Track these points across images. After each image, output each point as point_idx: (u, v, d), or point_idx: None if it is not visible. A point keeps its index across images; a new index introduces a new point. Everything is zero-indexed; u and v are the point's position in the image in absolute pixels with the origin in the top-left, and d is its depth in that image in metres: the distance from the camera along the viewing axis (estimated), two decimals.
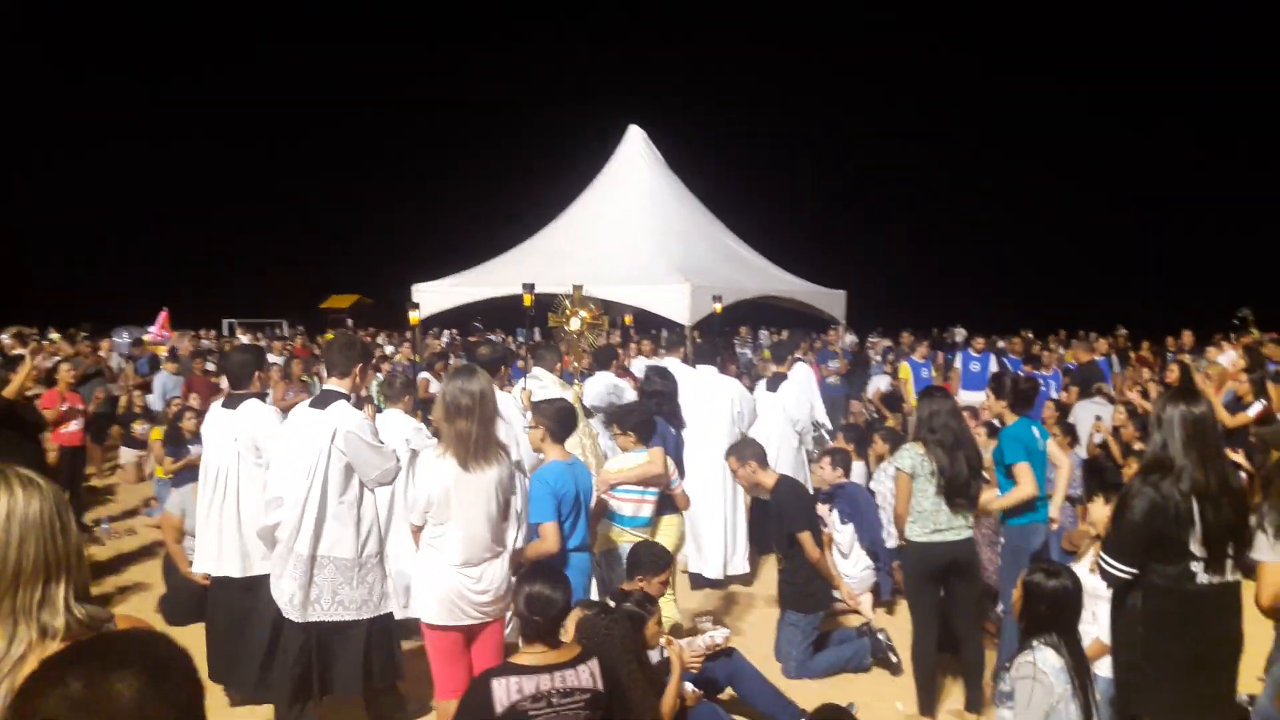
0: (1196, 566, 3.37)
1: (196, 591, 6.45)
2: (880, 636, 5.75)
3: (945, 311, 23.47)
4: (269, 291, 34.00)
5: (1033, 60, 43.59)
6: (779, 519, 5.87)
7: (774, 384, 8.52)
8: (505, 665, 3.22)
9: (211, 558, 5.05)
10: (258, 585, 4.84)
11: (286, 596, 4.46)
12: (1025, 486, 5.27)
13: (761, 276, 15.80)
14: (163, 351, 18.57)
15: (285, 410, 10.11)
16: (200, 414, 9.86)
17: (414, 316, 10.64)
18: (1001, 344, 15.09)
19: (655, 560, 4.66)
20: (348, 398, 4.63)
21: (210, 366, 12.66)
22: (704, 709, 4.31)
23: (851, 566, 6.53)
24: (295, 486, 4.43)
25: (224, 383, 7.89)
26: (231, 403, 5.10)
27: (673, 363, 8.62)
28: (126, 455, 11.75)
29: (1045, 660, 3.26)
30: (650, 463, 5.28)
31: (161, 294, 21.73)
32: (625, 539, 5.28)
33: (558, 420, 4.69)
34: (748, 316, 19.58)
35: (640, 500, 5.38)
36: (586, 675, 3.11)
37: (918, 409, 5.17)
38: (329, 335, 22.75)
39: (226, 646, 5.05)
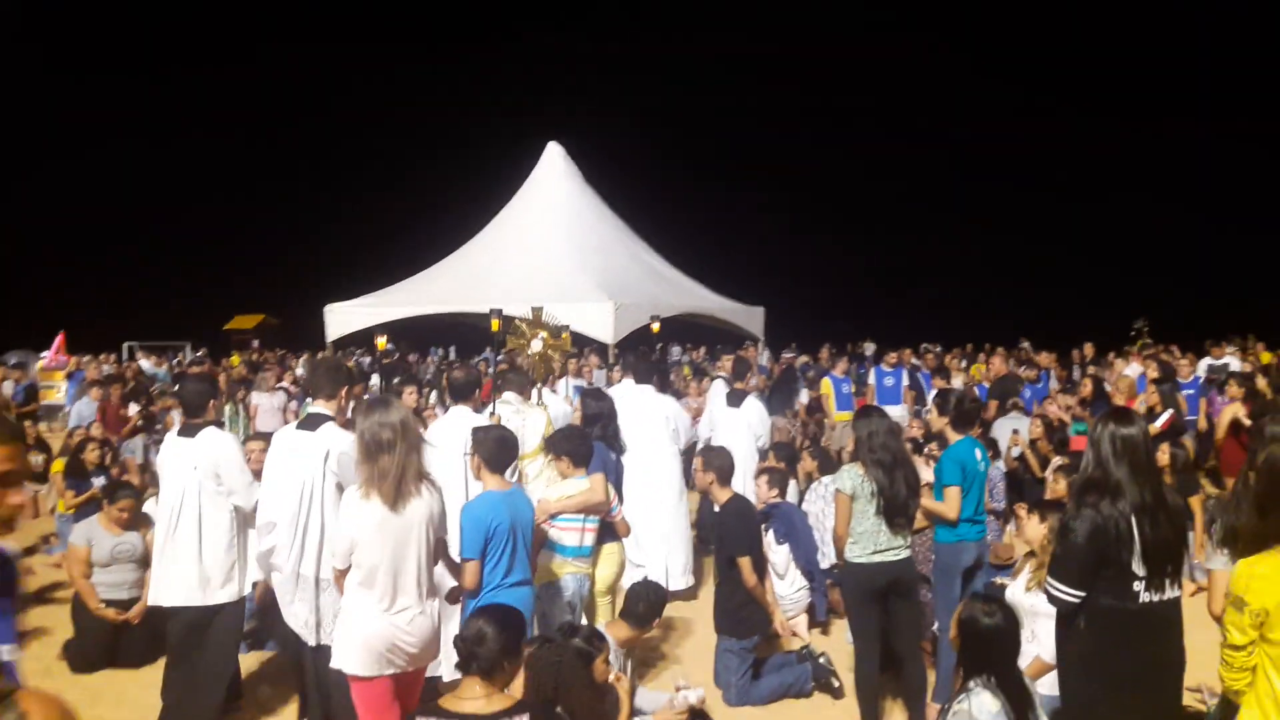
0: (1138, 585, 3.41)
1: (107, 633, 6.11)
2: (821, 660, 5.72)
3: (857, 327, 23.98)
4: (171, 313, 32.76)
5: (931, 81, 45.01)
6: (720, 539, 5.83)
7: (735, 399, 8.55)
8: (433, 707, 3.07)
9: (169, 587, 4.93)
10: (219, 613, 4.92)
11: (300, 621, 4.58)
12: (949, 509, 5.33)
13: (682, 293, 15.83)
14: (59, 377, 17.74)
15: None
16: (103, 444, 9.39)
17: (383, 343, 10.32)
18: (915, 360, 15.38)
19: (652, 610, 4.63)
20: (334, 419, 4.78)
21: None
22: None
23: (787, 587, 6.51)
24: (287, 509, 4.56)
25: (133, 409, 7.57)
26: (189, 431, 5.03)
27: (628, 384, 8.36)
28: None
29: (981, 707, 3.25)
30: (592, 490, 5.17)
31: (57, 317, 20.73)
32: (568, 570, 5.15)
33: (494, 449, 4.54)
34: (665, 334, 19.61)
35: (582, 529, 5.26)
36: None
37: (855, 428, 5.17)
38: (234, 359, 22.06)
39: (182, 674, 4.98)
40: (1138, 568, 3.40)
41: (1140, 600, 3.41)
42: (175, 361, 23.89)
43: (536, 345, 7.00)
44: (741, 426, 8.34)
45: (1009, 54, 44.06)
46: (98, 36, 43.06)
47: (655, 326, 11.91)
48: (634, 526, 7.06)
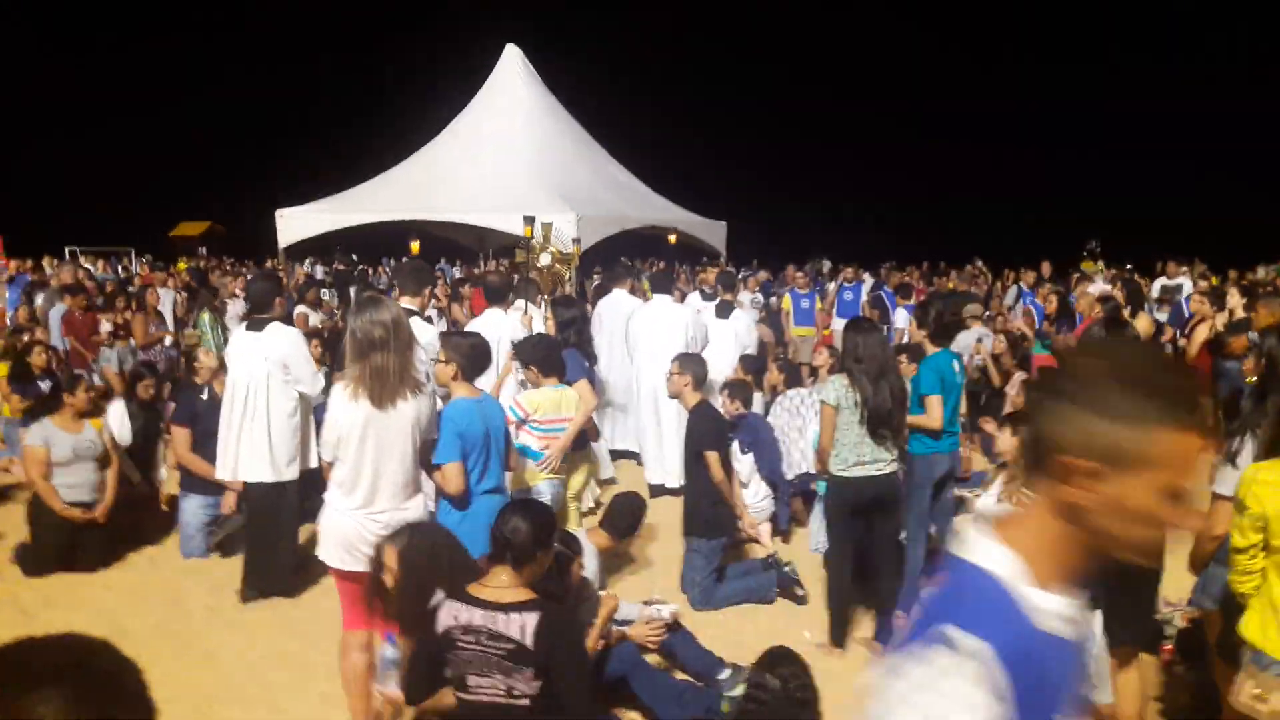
0: None
1: (64, 536, 5.95)
2: (787, 569, 5.76)
3: (816, 244, 23.90)
4: (113, 218, 31.67)
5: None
6: (688, 437, 5.81)
7: (724, 311, 8.74)
8: (462, 591, 3.06)
9: (245, 466, 5.46)
10: (285, 489, 5.50)
11: None
12: (930, 418, 5.31)
13: (644, 205, 15.56)
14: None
15: (148, 345, 9.38)
16: (50, 348, 9.05)
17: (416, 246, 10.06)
18: (870, 277, 15.38)
19: (633, 522, 4.57)
20: (419, 314, 5.57)
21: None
22: (626, 649, 4.19)
23: (751, 496, 6.52)
24: None
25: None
26: (256, 325, 5.46)
27: (621, 294, 8.62)
28: None
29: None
30: (586, 401, 5.20)
31: None
32: (542, 478, 5.09)
33: (469, 357, 4.40)
34: (627, 247, 19.37)
35: (558, 437, 5.21)
36: (517, 627, 2.89)
37: (843, 339, 5.10)
38: (180, 265, 21.44)
39: (260, 542, 5.62)
40: None
41: None
42: (120, 267, 23.22)
43: (545, 259, 7.30)
44: (729, 337, 8.50)
45: None
46: None
47: (672, 238, 11.86)
48: (659, 434, 7.69)
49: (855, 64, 43.35)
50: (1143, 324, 8.74)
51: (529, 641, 2.85)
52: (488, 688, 2.89)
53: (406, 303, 5.53)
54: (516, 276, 8.09)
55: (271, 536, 5.59)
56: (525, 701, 2.86)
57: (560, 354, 5.40)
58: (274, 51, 42.35)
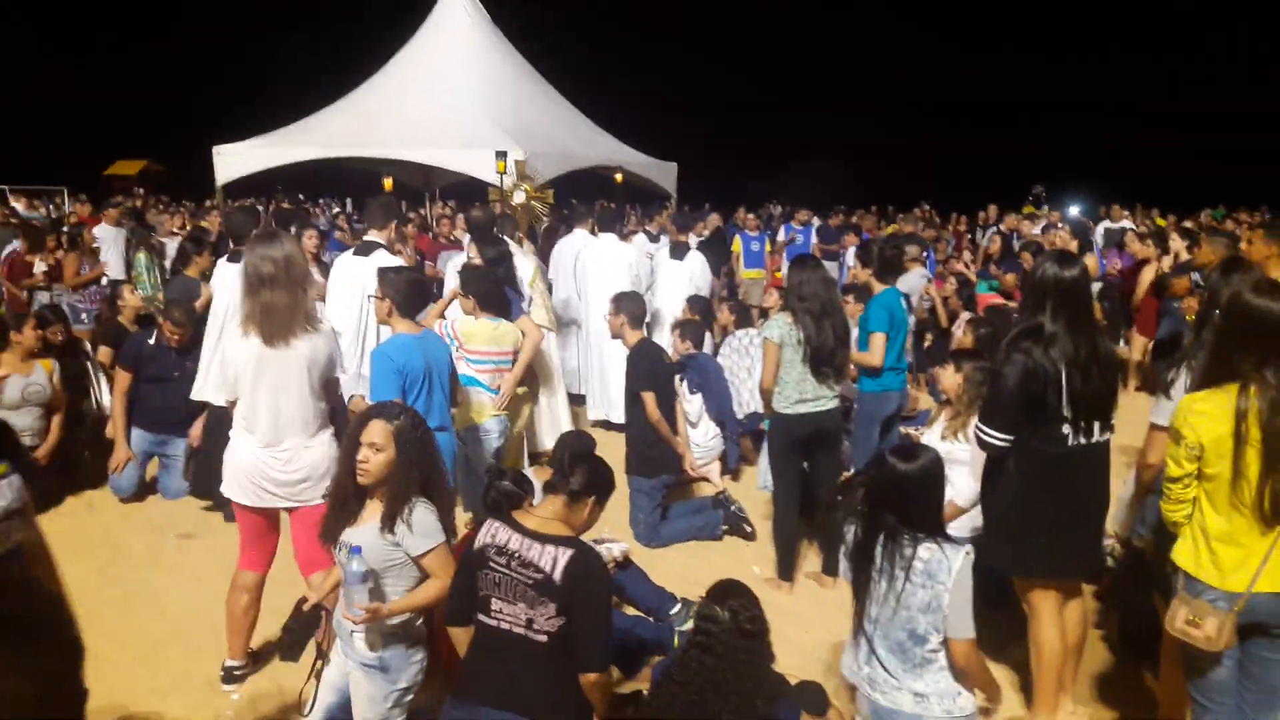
0: (1067, 429, 3.44)
1: None
2: (734, 508, 5.79)
3: (767, 188, 23.85)
4: (46, 157, 30.41)
5: None
6: (627, 377, 5.78)
7: (679, 252, 8.74)
8: (509, 515, 3.03)
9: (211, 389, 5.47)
10: None
11: None
12: (874, 356, 5.33)
13: (594, 145, 15.28)
14: None
15: (79, 285, 9.03)
16: None
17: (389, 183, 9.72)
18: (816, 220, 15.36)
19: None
20: (386, 247, 5.96)
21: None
22: None
23: (699, 436, 6.52)
24: (350, 322, 5.79)
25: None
26: (235, 257, 5.60)
27: (581, 233, 8.52)
28: None
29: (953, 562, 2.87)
30: (532, 338, 5.24)
31: None
32: (489, 414, 5.03)
33: (405, 292, 4.29)
34: (576, 188, 19.10)
35: (496, 371, 5.12)
36: (549, 559, 2.83)
37: (788, 277, 5.06)
38: (115, 204, 20.72)
39: None
40: (1067, 411, 3.42)
41: (1069, 443, 3.44)
42: (51, 205, 22.40)
43: (519, 197, 7.35)
44: (683, 278, 8.51)
45: None
46: None
47: (619, 177, 11.72)
48: (601, 369, 7.84)
49: (812, 7, 42.99)
50: (1090, 262, 8.84)
51: (557, 576, 2.79)
52: (509, 615, 2.85)
53: (374, 235, 5.97)
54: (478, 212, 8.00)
55: None
56: (542, 638, 2.81)
57: (504, 293, 5.33)
58: None
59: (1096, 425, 3.47)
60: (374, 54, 15.70)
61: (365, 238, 6.09)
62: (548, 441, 7.06)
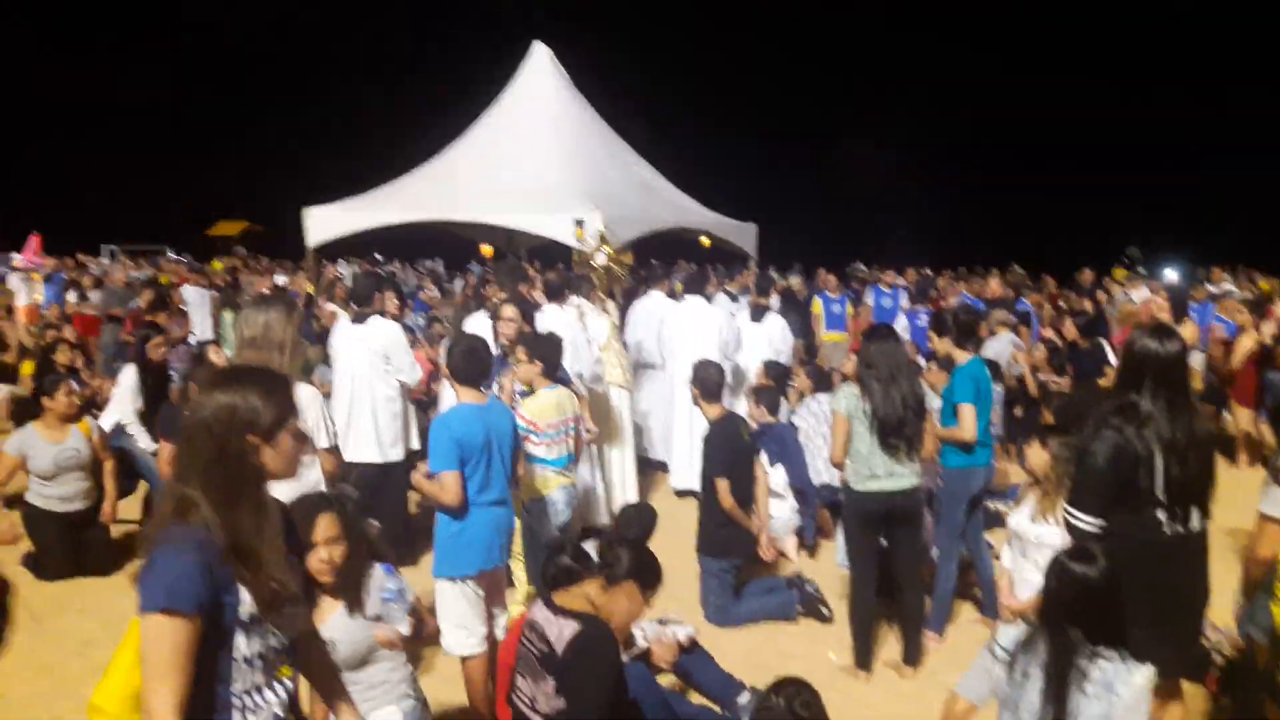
0: (1162, 514, 3.18)
1: (67, 537, 5.82)
2: (809, 588, 5.53)
3: (850, 247, 23.57)
4: (151, 215, 31.96)
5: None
6: (703, 458, 5.60)
7: (757, 315, 8.67)
8: (552, 592, 3.02)
9: (354, 448, 5.87)
10: (392, 469, 6.01)
11: None
12: (964, 429, 5.02)
13: (674, 208, 15.27)
14: (37, 278, 17.21)
15: (159, 351, 9.31)
16: (75, 346, 9.00)
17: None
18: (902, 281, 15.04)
19: (642, 532, 4.46)
20: (530, 307, 6.16)
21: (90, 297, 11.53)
22: (637, 670, 3.98)
23: (776, 508, 6.29)
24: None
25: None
26: (360, 319, 6.03)
27: (658, 296, 8.52)
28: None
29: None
30: (583, 401, 5.20)
31: (31, 217, 20.07)
32: (556, 484, 4.94)
33: (463, 361, 4.22)
34: (655, 249, 19.14)
35: (564, 440, 5.05)
36: (556, 631, 2.76)
37: (860, 348, 4.88)
38: (216, 264, 21.53)
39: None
40: (1161, 496, 3.15)
41: (1164, 531, 3.17)
42: (155, 265, 23.38)
43: (600, 258, 7.35)
44: (762, 342, 8.41)
45: None
46: None
47: (705, 241, 11.76)
48: (684, 432, 7.75)
49: (892, 64, 42.89)
50: (1188, 331, 8.41)
51: (559, 649, 2.71)
52: (524, 691, 2.79)
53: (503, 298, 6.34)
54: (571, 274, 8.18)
55: (377, 513, 5.73)
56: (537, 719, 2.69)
57: (561, 357, 5.32)
58: (310, 52, 42.60)
59: (1194, 513, 3.20)
60: (461, 117, 16.07)
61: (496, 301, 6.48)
62: (619, 499, 6.93)
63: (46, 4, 39.44)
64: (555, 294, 7.13)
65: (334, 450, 3.70)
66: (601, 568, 2.90)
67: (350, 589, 2.93)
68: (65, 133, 37.70)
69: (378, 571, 2.97)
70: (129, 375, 6.62)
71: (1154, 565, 3.19)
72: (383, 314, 6.26)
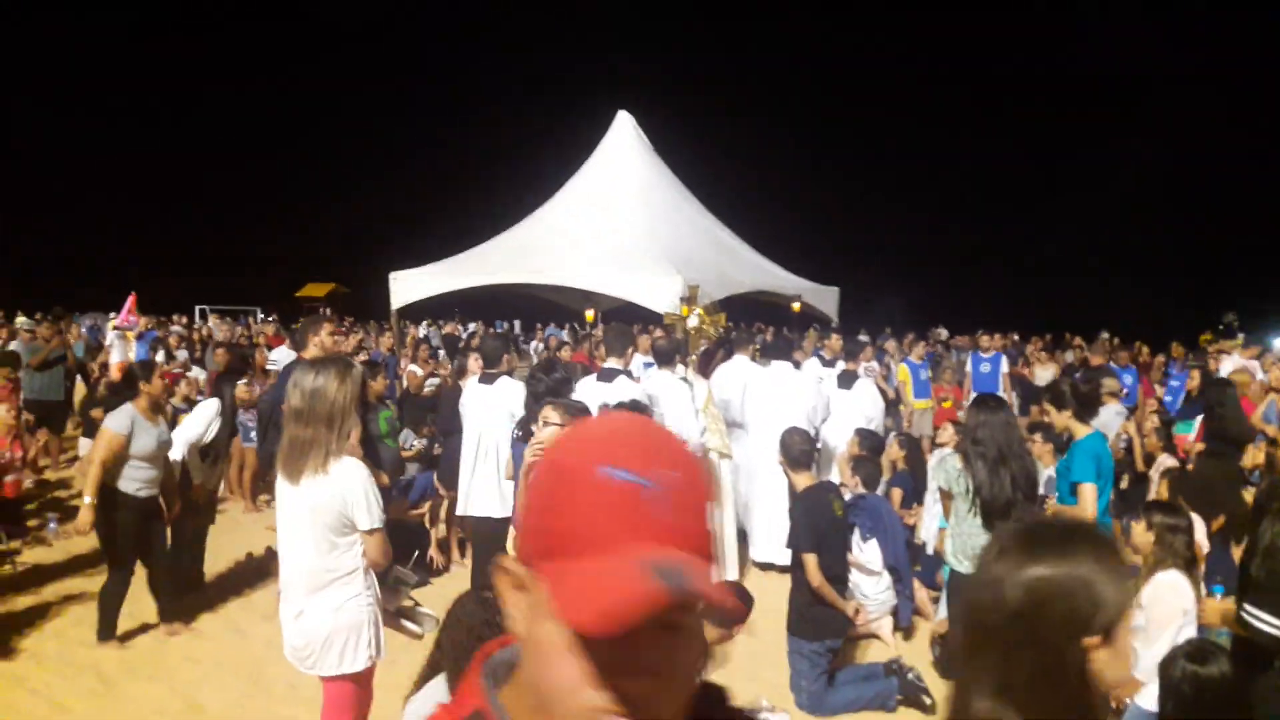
0: None
1: (141, 523, 5.66)
2: (910, 675, 5.16)
3: (929, 311, 23.07)
4: (242, 278, 33.08)
5: (1021, 63, 43.35)
6: (790, 531, 5.32)
7: (846, 381, 8.50)
8: None
9: (478, 501, 6.05)
10: (509, 521, 5.74)
11: None
12: (1085, 510, 4.65)
13: (754, 271, 15.14)
14: (130, 338, 17.80)
15: (248, 405, 9.41)
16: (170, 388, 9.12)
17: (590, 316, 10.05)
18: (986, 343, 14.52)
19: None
20: (626, 373, 6.39)
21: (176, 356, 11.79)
22: None
23: (871, 587, 5.95)
24: None
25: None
26: (488, 379, 6.20)
27: (742, 360, 8.22)
28: (85, 447, 10.95)
29: None
30: None
31: (127, 279, 20.85)
32: None
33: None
34: (736, 313, 18.99)
35: None
36: None
37: (966, 419, 4.59)
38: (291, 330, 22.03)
39: (484, 565, 5.87)
40: None
41: None
42: (244, 325, 24.01)
43: (693, 321, 7.94)
44: (853, 409, 8.15)
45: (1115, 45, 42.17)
46: None
47: (796, 306, 11.71)
48: (768, 505, 7.43)
49: (962, 126, 42.50)
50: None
51: None
52: None
53: (613, 362, 6.44)
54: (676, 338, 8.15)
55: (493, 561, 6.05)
56: None
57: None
58: (396, 122, 44.08)
59: None
60: (546, 183, 16.29)
61: (605, 365, 6.54)
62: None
63: (140, 63, 41.40)
64: (665, 359, 7.06)
65: (374, 532, 3.42)
66: None
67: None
68: (163, 197, 39.41)
69: None
70: (209, 410, 6.57)
71: None
72: (510, 374, 6.33)
